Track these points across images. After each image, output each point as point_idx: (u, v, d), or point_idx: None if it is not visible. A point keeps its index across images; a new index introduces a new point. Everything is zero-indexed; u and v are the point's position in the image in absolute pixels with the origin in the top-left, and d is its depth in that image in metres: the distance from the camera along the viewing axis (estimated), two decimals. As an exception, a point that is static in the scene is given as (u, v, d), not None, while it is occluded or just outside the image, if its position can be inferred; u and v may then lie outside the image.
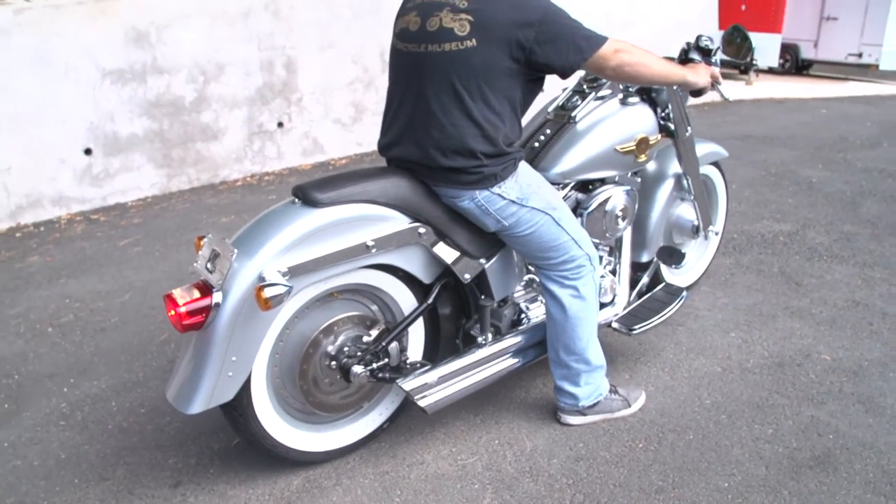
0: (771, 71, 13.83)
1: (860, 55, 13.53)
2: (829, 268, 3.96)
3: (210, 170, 5.63)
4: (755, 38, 10.71)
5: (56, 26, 4.81)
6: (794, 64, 14.41)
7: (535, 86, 2.20)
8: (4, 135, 4.69)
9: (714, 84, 2.55)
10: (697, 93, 2.55)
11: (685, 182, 3.13)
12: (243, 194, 5.41)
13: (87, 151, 5.06)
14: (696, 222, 3.30)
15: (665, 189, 3.12)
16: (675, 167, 3.13)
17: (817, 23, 13.83)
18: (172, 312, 1.91)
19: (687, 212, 3.32)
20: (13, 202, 4.80)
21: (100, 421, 2.67)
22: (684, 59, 2.73)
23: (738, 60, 2.76)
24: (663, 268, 3.30)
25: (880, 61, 13.29)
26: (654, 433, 2.50)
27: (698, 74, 2.44)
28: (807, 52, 14.19)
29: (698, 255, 3.62)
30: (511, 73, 2.07)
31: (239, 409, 2.08)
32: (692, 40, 2.81)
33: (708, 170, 3.45)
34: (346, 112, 6.28)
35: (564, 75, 2.13)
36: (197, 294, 1.93)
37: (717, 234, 3.45)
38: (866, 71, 14.16)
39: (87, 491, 2.28)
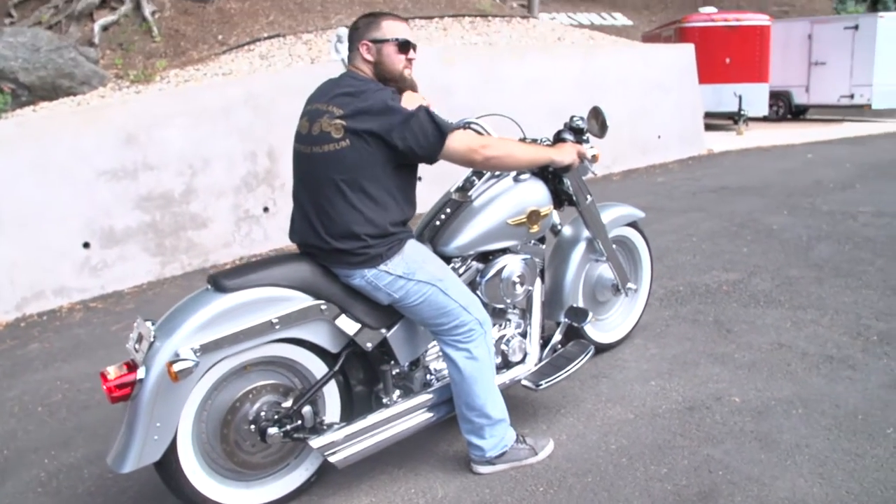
0: (765, 119, 14.16)
1: (852, 96, 13.87)
2: (763, 313, 4.20)
3: (201, 255, 6.06)
4: (743, 88, 11.24)
5: (53, 134, 5.35)
6: (788, 110, 14.74)
7: (410, 171, 2.57)
8: (10, 233, 5.18)
9: (582, 160, 2.88)
10: (565, 169, 2.89)
11: (596, 245, 3.44)
12: (231, 275, 5.82)
13: (86, 245, 5.52)
14: (615, 281, 3.59)
15: (577, 253, 3.43)
16: (586, 232, 3.44)
17: (806, 69, 14.24)
18: (105, 387, 2.27)
19: (607, 272, 3.61)
20: (19, 294, 5.26)
21: (71, 486, 3.00)
22: (557, 138, 3.07)
23: (598, 136, 3.08)
24: (589, 326, 3.58)
25: (872, 101, 13.62)
26: (557, 478, 2.76)
27: (563, 153, 2.79)
28: (799, 98, 14.56)
29: (627, 312, 3.89)
30: (383, 165, 2.44)
31: (169, 470, 2.41)
32: (567, 121, 3.15)
33: (625, 231, 3.75)
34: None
35: (431, 162, 2.49)
36: (125, 370, 2.31)
37: (636, 290, 3.73)
38: (861, 111, 14.44)
39: (50, 551, 2.60)
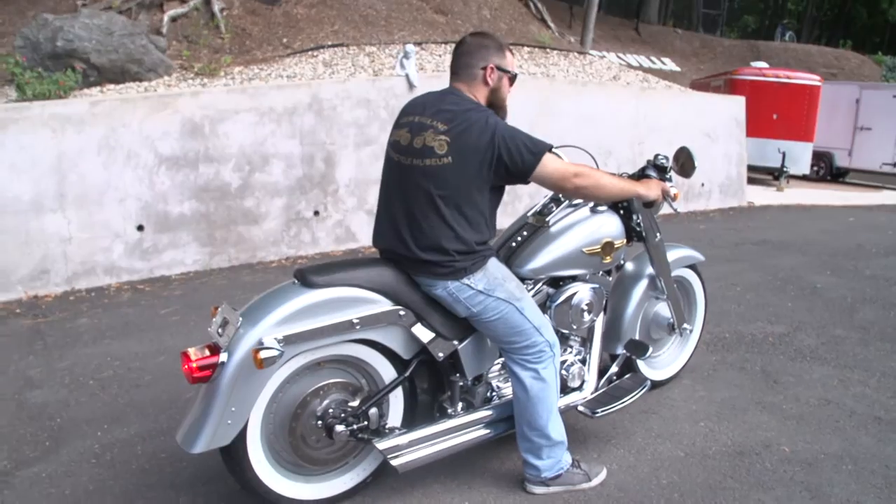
0: (805, 178, 14.14)
1: (895, 164, 13.78)
2: (809, 368, 4.20)
3: (249, 251, 6.15)
4: (787, 145, 11.19)
5: (123, 117, 5.48)
6: (828, 171, 14.71)
7: (499, 192, 2.64)
8: (69, 210, 5.30)
9: (665, 197, 2.93)
10: (649, 204, 2.94)
11: (658, 283, 3.47)
12: (277, 275, 5.89)
13: (140, 228, 5.64)
14: (671, 320, 3.61)
15: (639, 288, 3.46)
16: (649, 269, 3.48)
17: (851, 132, 14.21)
18: (186, 367, 2.33)
19: (664, 310, 3.64)
20: (70, 269, 5.36)
21: (125, 461, 3.06)
22: (641, 174, 3.13)
23: (683, 176, 3.14)
24: (641, 362, 3.60)
25: (915, 172, 13.54)
26: (607, 506, 2.78)
27: (650, 189, 2.85)
28: (841, 161, 14.52)
29: (678, 352, 3.91)
30: (480, 185, 2.50)
31: (236, 457, 2.46)
32: (651, 158, 3.20)
33: (685, 272, 3.78)
34: (379, 202, 6.80)
35: (525, 181, 2.55)
36: (207, 353, 2.36)
37: (690, 330, 3.75)
38: (902, 180, 14.38)
39: (106, 521, 2.65)
